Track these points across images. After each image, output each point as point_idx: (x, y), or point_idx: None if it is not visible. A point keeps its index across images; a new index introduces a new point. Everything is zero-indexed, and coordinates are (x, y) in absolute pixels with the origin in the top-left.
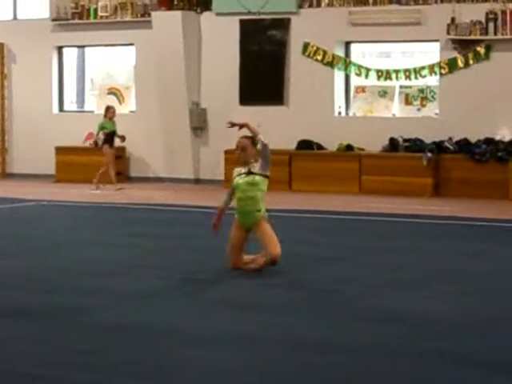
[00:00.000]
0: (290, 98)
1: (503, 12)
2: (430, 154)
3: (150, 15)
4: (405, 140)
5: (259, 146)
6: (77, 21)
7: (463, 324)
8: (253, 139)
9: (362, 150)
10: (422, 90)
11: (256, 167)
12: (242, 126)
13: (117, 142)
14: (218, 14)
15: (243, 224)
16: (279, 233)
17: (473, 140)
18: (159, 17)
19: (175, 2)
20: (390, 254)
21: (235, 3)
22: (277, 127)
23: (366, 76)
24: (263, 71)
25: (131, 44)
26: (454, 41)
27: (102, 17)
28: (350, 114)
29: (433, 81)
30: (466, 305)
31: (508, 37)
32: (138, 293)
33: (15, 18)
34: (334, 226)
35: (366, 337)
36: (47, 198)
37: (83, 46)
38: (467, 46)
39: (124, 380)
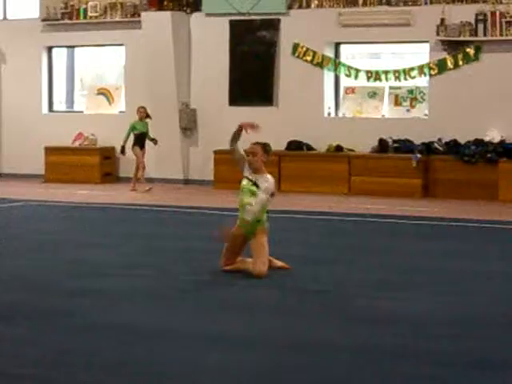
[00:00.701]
0: (280, 98)
1: (493, 13)
2: (419, 155)
3: (139, 15)
4: (394, 141)
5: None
6: (66, 21)
7: (454, 324)
8: (264, 147)
9: (352, 150)
10: (411, 91)
11: (263, 185)
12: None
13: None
14: (207, 15)
15: (243, 230)
16: (269, 234)
17: (462, 141)
18: (149, 17)
19: (165, 3)
20: (379, 254)
21: (225, 4)
22: (266, 128)
23: (356, 77)
24: (253, 72)
25: (121, 44)
26: (443, 42)
27: (91, 17)
28: (340, 114)
29: (422, 82)
30: (457, 305)
31: (497, 38)
32: (130, 293)
33: (5, 18)
34: (323, 227)
35: (358, 338)
36: (36, 198)
37: (73, 46)
38: (457, 47)
39: (116, 380)
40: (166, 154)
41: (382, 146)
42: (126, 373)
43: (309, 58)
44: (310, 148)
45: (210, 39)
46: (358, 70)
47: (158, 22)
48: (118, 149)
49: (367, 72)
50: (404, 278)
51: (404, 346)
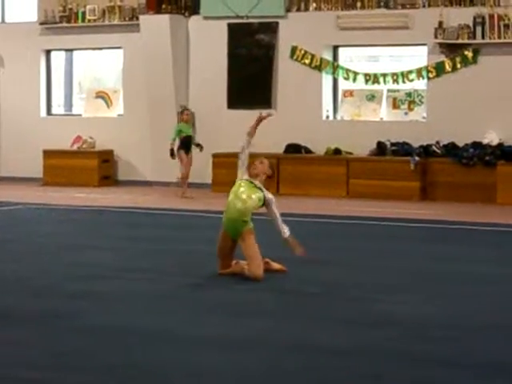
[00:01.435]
0: (278, 101)
1: (491, 16)
2: (417, 158)
3: (138, 19)
4: (392, 144)
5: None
6: (65, 24)
7: (453, 327)
8: (270, 164)
9: (350, 153)
10: (409, 94)
11: (260, 188)
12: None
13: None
14: (205, 18)
15: (229, 233)
16: (266, 236)
17: (460, 144)
18: (147, 20)
19: (163, 6)
20: (378, 257)
21: (223, 7)
22: (265, 131)
23: (354, 80)
24: (251, 75)
25: (119, 47)
26: (441, 45)
27: (89, 20)
28: (338, 117)
29: (420, 85)
30: (455, 307)
31: (495, 41)
32: (128, 296)
33: (3, 21)
34: (321, 230)
35: (356, 340)
36: (35, 201)
37: (71, 50)
38: (455, 50)
39: (114, 382)
40: (165, 158)
41: (381, 148)
42: (124, 375)
43: (307, 61)
44: (308, 151)
45: (209, 42)
46: (356, 73)
47: (156, 25)
48: (117, 152)
49: (365, 75)
50: (402, 280)
51: (402, 349)
